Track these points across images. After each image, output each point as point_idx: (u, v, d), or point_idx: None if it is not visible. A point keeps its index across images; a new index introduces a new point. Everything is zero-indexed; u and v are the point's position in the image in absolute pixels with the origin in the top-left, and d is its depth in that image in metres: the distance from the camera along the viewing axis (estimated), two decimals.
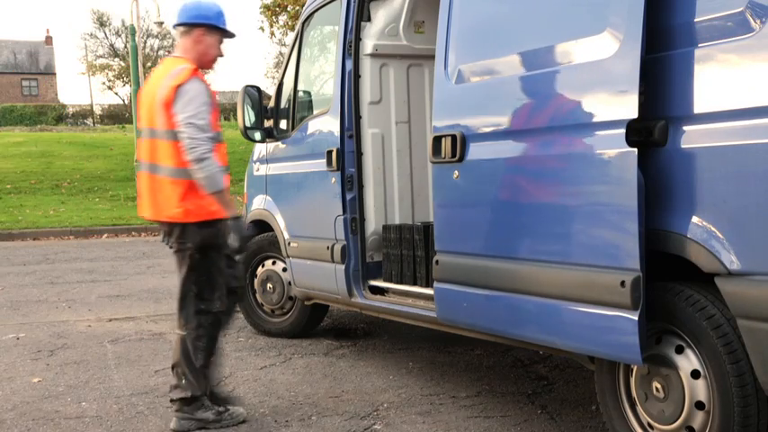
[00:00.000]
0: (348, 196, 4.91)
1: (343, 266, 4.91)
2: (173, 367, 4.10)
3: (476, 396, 4.37)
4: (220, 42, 4.04)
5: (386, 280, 4.88)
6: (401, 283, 4.73)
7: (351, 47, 4.92)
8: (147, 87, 4.05)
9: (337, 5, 5.08)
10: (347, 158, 4.89)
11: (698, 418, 2.91)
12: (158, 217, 4.02)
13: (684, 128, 2.80)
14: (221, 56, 4.06)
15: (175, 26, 4.04)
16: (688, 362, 2.93)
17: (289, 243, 5.49)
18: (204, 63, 4.01)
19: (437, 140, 3.82)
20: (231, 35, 4.08)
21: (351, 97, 4.91)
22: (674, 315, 2.93)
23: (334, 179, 4.95)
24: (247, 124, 5.60)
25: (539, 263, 3.32)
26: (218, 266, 4.03)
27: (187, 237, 3.93)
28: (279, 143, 5.70)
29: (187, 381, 3.99)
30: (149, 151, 3.95)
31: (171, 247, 4.08)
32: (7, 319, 6.81)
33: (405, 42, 5.15)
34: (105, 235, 14.29)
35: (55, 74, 58.88)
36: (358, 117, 4.96)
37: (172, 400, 4.03)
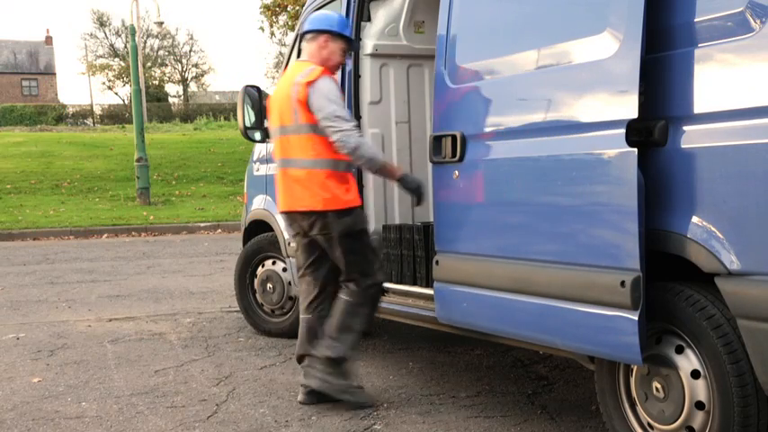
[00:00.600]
0: None
1: None
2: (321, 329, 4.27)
3: (476, 396, 4.37)
4: (343, 51, 4.27)
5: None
6: (401, 283, 4.73)
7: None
8: (277, 91, 4.31)
9: (337, 5, 5.08)
10: None
11: (698, 418, 2.91)
12: (294, 207, 4.21)
13: (684, 128, 2.80)
14: (343, 63, 4.34)
15: (303, 34, 4.30)
16: (688, 362, 2.93)
17: (289, 243, 5.48)
18: (328, 68, 4.21)
19: (437, 140, 3.82)
20: (354, 45, 4.38)
21: (351, 97, 4.91)
22: (674, 315, 2.93)
23: None
24: (247, 124, 5.60)
25: (539, 263, 3.33)
26: (368, 245, 4.28)
27: (330, 226, 4.13)
28: None
29: (339, 342, 4.16)
30: (281, 148, 4.22)
31: (305, 237, 4.28)
32: (7, 319, 6.81)
33: (405, 42, 5.15)
34: (105, 235, 14.29)
35: (55, 74, 58.91)
36: (358, 117, 4.97)
37: (311, 356, 4.20)
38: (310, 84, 4.05)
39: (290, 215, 4.27)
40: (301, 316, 4.38)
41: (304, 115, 4.07)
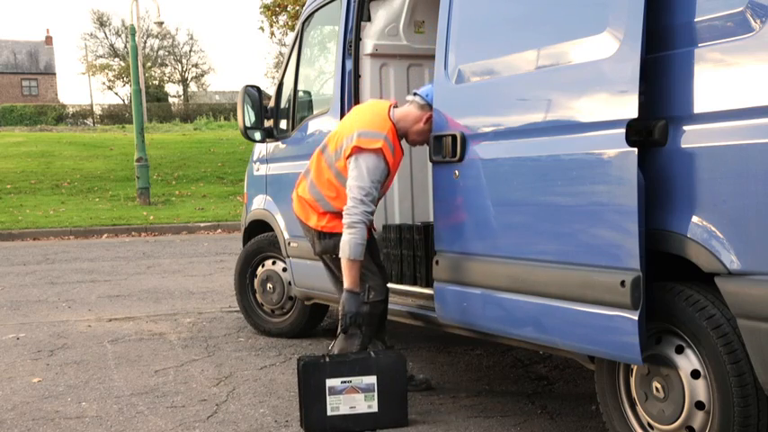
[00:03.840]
0: None
1: None
2: None
3: (476, 396, 4.37)
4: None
5: None
6: (401, 283, 4.73)
7: (351, 47, 4.92)
8: (350, 116, 4.34)
9: (337, 5, 5.08)
10: None
11: (698, 418, 2.91)
12: None
13: (684, 128, 2.80)
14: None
15: (415, 93, 4.14)
16: (688, 362, 2.93)
17: (289, 243, 5.49)
18: (400, 134, 4.12)
19: (437, 140, 3.82)
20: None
21: (351, 97, 4.91)
22: (674, 315, 2.93)
23: None
24: (247, 124, 5.60)
25: (539, 262, 3.33)
26: (364, 260, 4.05)
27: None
28: (279, 143, 5.70)
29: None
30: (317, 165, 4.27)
31: None
32: (7, 319, 6.81)
33: (405, 42, 5.15)
34: (105, 235, 14.28)
35: (55, 74, 58.93)
36: None
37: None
38: (359, 150, 3.96)
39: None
40: None
41: (342, 163, 4.06)
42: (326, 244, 4.20)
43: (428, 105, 4.02)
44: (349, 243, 3.92)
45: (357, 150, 3.96)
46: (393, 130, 4.04)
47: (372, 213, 4.01)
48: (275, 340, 5.80)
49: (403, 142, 4.19)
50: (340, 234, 4.01)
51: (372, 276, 4.19)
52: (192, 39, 73.50)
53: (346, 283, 3.97)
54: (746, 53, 2.61)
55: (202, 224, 14.98)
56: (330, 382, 3.84)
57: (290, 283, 5.72)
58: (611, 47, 2.96)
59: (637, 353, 2.88)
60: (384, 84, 5.11)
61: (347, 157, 4.01)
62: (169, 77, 57.80)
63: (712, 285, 2.74)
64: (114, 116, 44.07)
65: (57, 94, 57.70)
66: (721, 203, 2.68)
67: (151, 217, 15.44)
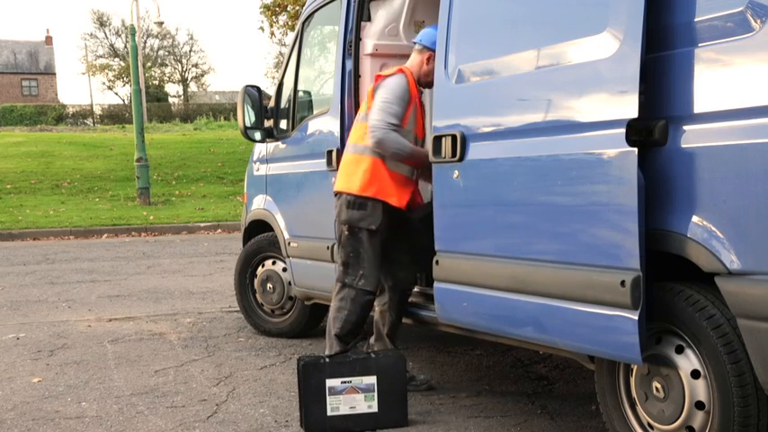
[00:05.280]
0: None
1: None
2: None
3: (476, 396, 4.37)
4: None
5: None
6: None
7: (351, 47, 4.92)
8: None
9: (337, 5, 5.08)
10: None
11: (698, 418, 2.91)
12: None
13: (684, 127, 2.80)
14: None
15: (416, 42, 4.41)
16: (688, 362, 2.93)
17: (289, 243, 5.49)
18: (424, 82, 4.33)
19: (437, 140, 3.82)
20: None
21: (351, 97, 4.91)
22: (674, 315, 2.92)
23: (334, 179, 4.94)
24: (247, 124, 5.60)
25: (539, 262, 3.32)
26: (368, 247, 4.19)
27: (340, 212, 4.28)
28: (279, 143, 5.70)
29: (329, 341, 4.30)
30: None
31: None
32: (7, 319, 6.81)
33: (405, 42, 5.14)
34: (105, 235, 14.29)
35: (55, 74, 58.92)
36: None
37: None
38: (380, 79, 4.23)
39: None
40: None
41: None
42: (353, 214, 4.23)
43: (426, 48, 4.29)
44: (386, 150, 4.11)
45: (379, 79, 4.23)
46: (409, 72, 4.29)
47: (394, 126, 4.11)
48: (275, 340, 5.80)
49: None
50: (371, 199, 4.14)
51: (370, 267, 4.21)
52: (192, 39, 73.63)
53: (418, 160, 4.17)
54: (746, 53, 2.61)
55: (202, 224, 14.98)
56: (330, 383, 3.84)
57: (289, 283, 5.72)
58: (611, 47, 2.96)
59: (637, 353, 2.88)
60: None
61: (372, 96, 4.20)
62: (169, 77, 57.85)
63: (712, 285, 2.74)
64: (114, 116, 44.08)
65: (57, 94, 57.71)
66: (721, 203, 2.68)
67: (151, 217, 15.44)
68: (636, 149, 2.83)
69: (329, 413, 3.83)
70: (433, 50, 4.13)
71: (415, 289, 4.62)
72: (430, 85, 4.25)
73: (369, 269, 4.20)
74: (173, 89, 57.53)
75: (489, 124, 3.66)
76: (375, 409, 3.86)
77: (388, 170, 4.19)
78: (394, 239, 4.29)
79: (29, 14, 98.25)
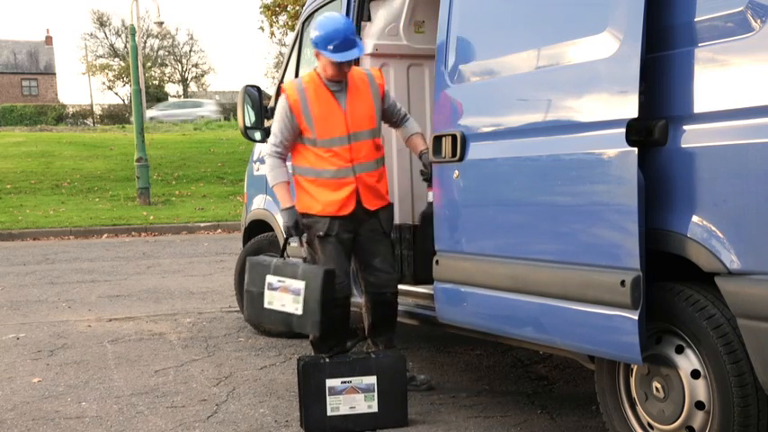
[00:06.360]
0: None
1: None
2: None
3: (476, 396, 4.37)
4: (333, 63, 4.15)
5: None
6: (401, 282, 4.72)
7: None
8: None
9: (337, 5, 5.08)
10: None
11: (698, 418, 2.91)
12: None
13: (684, 127, 2.80)
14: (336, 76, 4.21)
15: None
16: (688, 362, 2.93)
17: (289, 243, 5.48)
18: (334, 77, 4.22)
19: (437, 140, 3.82)
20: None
21: None
22: (674, 315, 2.92)
23: None
24: (247, 124, 5.59)
25: (539, 262, 3.33)
26: (322, 254, 4.28)
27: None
28: None
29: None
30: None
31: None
32: (7, 319, 6.81)
33: (405, 42, 5.14)
34: (105, 235, 14.28)
35: (55, 74, 58.89)
36: None
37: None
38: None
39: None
40: None
41: None
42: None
43: (315, 48, 4.20)
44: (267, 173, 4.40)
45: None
46: (294, 86, 4.27)
47: (277, 151, 4.33)
48: (275, 340, 5.79)
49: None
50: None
51: (339, 270, 4.19)
52: (192, 39, 73.47)
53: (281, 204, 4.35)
54: (746, 53, 2.61)
55: (202, 224, 14.98)
56: (330, 383, 3.84)
57: None
58: (611, 47, 2.96)
59: (637, 353, 2.88)
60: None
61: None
62: (169, 77, 57.84)
63: (712, 285, 2.74)
64: (114, 116, 44.04)
65: (57, 94, 57.66)
66: (721, 203, 2.68)
67: (151, 217, 15.44)
68: (636, 149, 2.83)
69: (329, 413, 3.83)
70: (316, 48, 4.16)
71: (415, 289, 4.62)
72: (337, 76, 4.16)
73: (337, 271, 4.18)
74: (173, 89, 57.56)
75: (489, 124, 3.66)
76: (375, 409, 3.86)
77: (307, 180, 4.26)
78: (361, 244, 4.27)
79: (29, 14, 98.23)
